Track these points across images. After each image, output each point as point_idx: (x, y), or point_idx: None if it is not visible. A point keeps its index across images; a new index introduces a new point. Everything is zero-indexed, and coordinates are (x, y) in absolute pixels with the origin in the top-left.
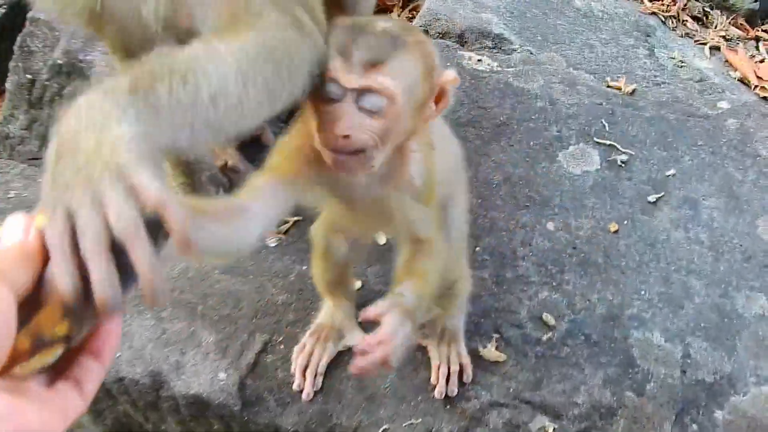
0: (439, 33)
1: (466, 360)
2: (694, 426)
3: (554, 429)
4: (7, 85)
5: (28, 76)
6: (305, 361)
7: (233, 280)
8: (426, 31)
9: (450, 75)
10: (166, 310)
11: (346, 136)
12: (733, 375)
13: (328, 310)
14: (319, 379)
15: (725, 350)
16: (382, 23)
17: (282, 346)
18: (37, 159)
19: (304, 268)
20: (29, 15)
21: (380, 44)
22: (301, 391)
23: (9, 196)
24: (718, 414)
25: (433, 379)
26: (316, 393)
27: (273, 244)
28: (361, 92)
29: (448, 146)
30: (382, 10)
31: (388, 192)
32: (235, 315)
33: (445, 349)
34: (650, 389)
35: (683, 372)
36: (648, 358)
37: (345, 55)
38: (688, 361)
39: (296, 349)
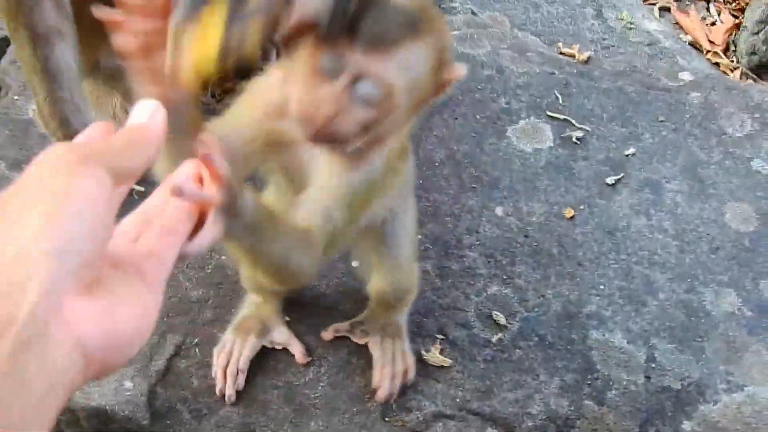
0: None
1: (411, 360)
2: None
3: None
4: None
5: None
6: (226, 360)
7: None
8: None
9: (460, 71)
10: None
11: (327, 122)
12: (701, 381)
13: (254, 303)
14: (241, 378)
15: (693, 353)
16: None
17: (197, 350)
18: None
19: (223, 258)
20: None
21: (392, 24)
22: (222, 398)
23: None
24: (686, 425)
25: (376, 381)
26: (237, 403)
27: None
28: (358, 76)
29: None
30: None
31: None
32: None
33: (389, 346)
34: (611, 397)
35: (647, 378)
36: (609, 362)
37: (351, 26)
38: (653, 365)
39: (216, 348)
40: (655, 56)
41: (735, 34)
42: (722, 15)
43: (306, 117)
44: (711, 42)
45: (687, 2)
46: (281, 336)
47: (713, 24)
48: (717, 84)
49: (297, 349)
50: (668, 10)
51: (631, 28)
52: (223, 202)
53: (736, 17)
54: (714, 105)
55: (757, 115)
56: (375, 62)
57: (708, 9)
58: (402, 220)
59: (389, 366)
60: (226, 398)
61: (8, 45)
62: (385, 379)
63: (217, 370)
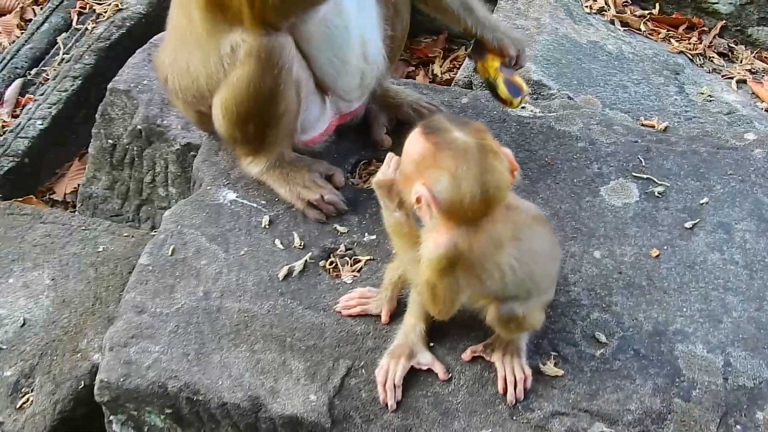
0: (482, 83)
1: (528, 371)
2: (738, 427)
3: None
4: (90, 149)
5: (110, 141)
6: (384, 378)
7: (316, 314)
8: (470, 83)
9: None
10: (258, 342)
11: None
12: None
13: (403, 331)
14: (398, 391)
15: (763, 358)
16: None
17: (363, 370)
18: (119, 215)
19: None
20: (109, 86)
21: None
22: (385, 406)
23: (98, 250)
24: (760, 415)
25: (500, 388)
26: (397, 409)
27: (349, 281)
28: None
29: None
30: (424, 62)
31: None
32: (320, 345)
33: (509, 361)
34: (696, 395)
35: (725, 379)
36: (692, 368)
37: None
38: (729, 369)
39: (377, 369)
40: (734, 123)
41: None
42: None
43: None
44: None
45: (762, 74)
46: (425, 359)
47: None
48: None
49: (439, 369)
50: (744, 82)
51: (711, 101)
52: None
53: None
54: None
55: None
56: None
57: None
58: None
59: (511, 376)
60: (388, 407)
61: (198, 148)
62: (509, 386)
63: (379, 386)
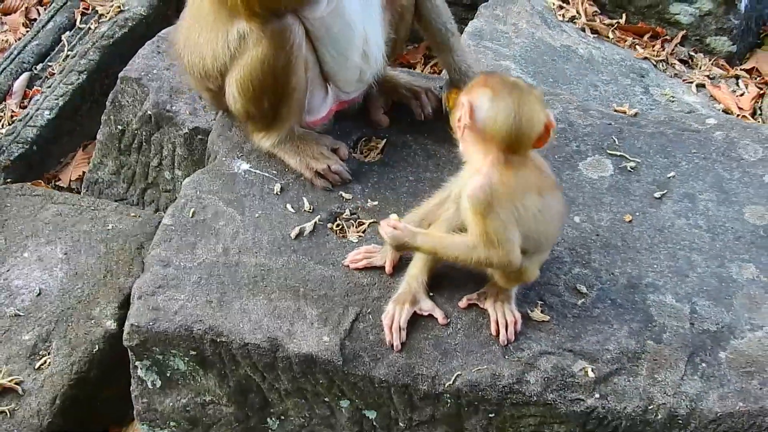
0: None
1: (518, 315)
2: (703, 365)
3: (592, 369)
4: (99, 136)
5: (119, 127)
6: (390, 321)
7: (326, 268)
8: None
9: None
10: (274, 292)
11: None
12: (731, 324)
13: (407, 281)
14: (403, 333)
15: (724, 306)
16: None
17: (371, 316)
18: (123, 200)
19: None
20: (120, 75)
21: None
22: (391, 347)
23: (107, 228)
24: (722, 354)
25: (493, 330)
26: (401, 350)
27: (355, 240)
28: None
29: None
30: (406, 67)
31: None
32: (331, 294)
33: (501, 307)
34: (666, 338)
35: (692, 324)
36: (663, 315)
37: None
38: (695, 315)
39: (383, 315)
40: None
41: (760, 101)
42: (749, 87)
43: None
44: (740, 108)
45: (719, 79)
46: (426, 305)
47: (742, 95)
48: (735, 125)
49: (439, 314)
50: (703, 86)
51: (673, 101)
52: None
53: (760, 88)
54: (734, 139)
55: (767, 145)
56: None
57: (737, 83)
58: None
59: (503, 319)
60: (393, 347)
61: (205, 132)
62: (501, 328)
63: (386, 329)
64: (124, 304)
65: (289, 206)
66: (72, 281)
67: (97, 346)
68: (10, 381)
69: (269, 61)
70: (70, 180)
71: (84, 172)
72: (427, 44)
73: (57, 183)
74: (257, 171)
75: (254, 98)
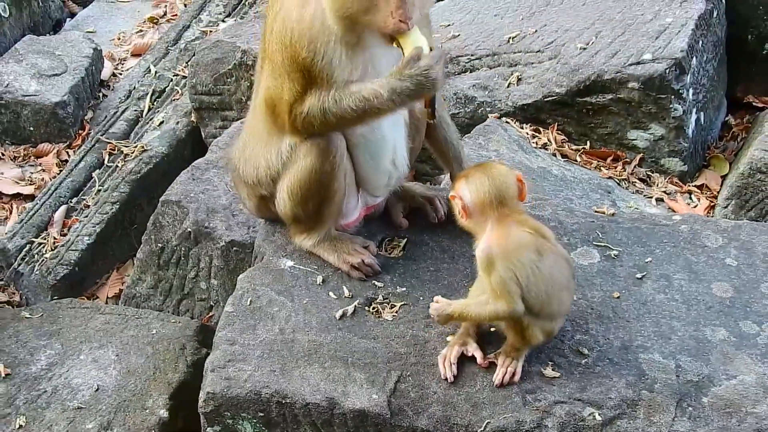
0: None
1: (518, 371)
2: (690, 408)
3: (598, 414)
4: (138, 254)
5: (159, 245)
6: (443, 358)
7: (368, 341)
8: None
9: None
10: (327, 362)
11: None
12: (710, 375)
13: (462, 328)
14: (453, 368)
15: (703, 361)
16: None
17: (410, 378)
18: (160, 311)
19: (414, 331)
20: (161, 199)
21: None
22: (445, 380)
23: (152, 332)
24: (705, 399)
25: (496, 378)
26: (453, 381)
27: (390, 318)
28: None
29: None
30: None
31: None
32: (375, 362)
33: (508, 361)
34: (657, 388)
35: (677, 376)
36: (653, 369)
37: None
38: (680, 369)
39: (439, 356)
40: None
41: (712, 212)
42: (701, 200)
43: None
44: None
45: (675, 194)
46: (471, 347)
47: (695, 207)
48: (697, 219)
49: (479, 356)
50: (662, 200)
51: (637, 211)
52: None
53: (710, 201)
54: (697, 230)
55: (725, 235)
56: None
57: (690, 198)
58: None
59: (503, 369)
60: (447, 380)
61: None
62: (500, 371)
63: (440, 365)
64: (173, 396)
65: (331, 293)
66: (125, 378)
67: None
68: None
69: (316, 168)
70: (107, 297)
71: (121, 290)
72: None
73: (95, 300)
74: (301, 266)
75: (301, 201)
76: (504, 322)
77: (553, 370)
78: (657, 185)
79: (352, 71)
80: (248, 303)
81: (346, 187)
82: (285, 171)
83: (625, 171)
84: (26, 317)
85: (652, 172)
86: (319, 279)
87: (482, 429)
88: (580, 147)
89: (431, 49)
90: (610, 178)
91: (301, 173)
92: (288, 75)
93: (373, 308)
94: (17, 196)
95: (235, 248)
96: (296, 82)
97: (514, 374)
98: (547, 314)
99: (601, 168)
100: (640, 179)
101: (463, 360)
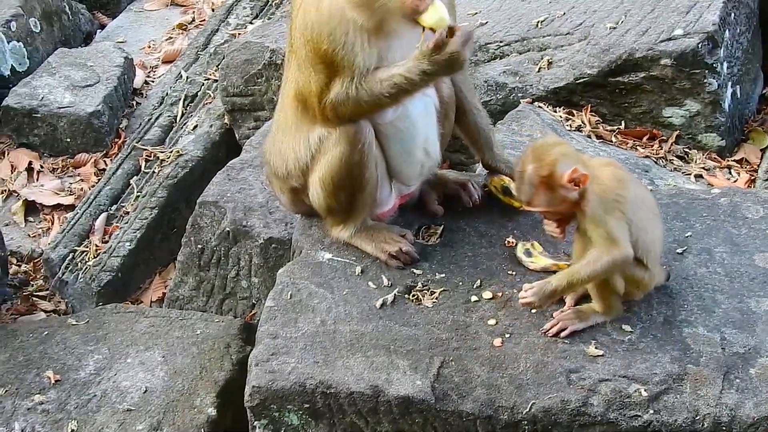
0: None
1: (570, 329)
2: (737, 380)
3: (644, 390)
4: (179, 257)
5: (199, 246)
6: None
7: (409, 329)
8: None
9: (566, 176)
10: (370, 351)
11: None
12: (757, 346)
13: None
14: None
15: (748, 333)
16: (528, 168)
17: (453, 363)
18: (203, 312)
19: (455, 316)
20: (198, 201)
21: (525, 190)
22: (478, 376)
23: (197, 333)
24: (752, 371)
25: (546, 326)
26: (482, 387)
27: (430, 305)
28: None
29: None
30: None
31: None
32: (417, 348)
33: (570, 318)
34: (703, 361)
35: (723, 349)
36: (698, 343)
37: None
38: (725, 341)
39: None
40: None
41: (753, 186)
42: (741, 174)
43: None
44: None
45: (714, 170)
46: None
47: (735, 181)
48: (737, 191)
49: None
50: (701, 176)
51: (676, 187)
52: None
53: (751, 174)
54: (737, 203)
55: (766, 206)
56: (531, 207)
57: (730, 172)
58: None
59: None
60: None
61: (278, 241)
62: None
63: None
64: (221, 394)
65: (370, 283)
66: (173, 379)
67: (202, 430)
68: None
69: (346, 158)
70: (151, 302)
71: (164, 293)
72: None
73: (139, 305)
74: (339, 258)
75: (334, 193)
76: (596, 286)
77: (596, 348)
78: (695, 162)
79: (376, 57)
80: (289, 297)
81: (378, 177)
82: (314, 163)
83: (661, 149)
84: (73, 324)
85: (690, 149)
86: (358, 269)
87: (527, 410)
88: (615, 127)
89: (451, 31)
90: (646, 157)
91: (332, 164)
92: (313, 67)
93: (413, 296)
94: (58, 207)
95: (273, 245)
96: (322, 74)
97: (564, 330)
98: (650, 252)
99: (637, 147)
100: (678, 157)
101: (505, 342)
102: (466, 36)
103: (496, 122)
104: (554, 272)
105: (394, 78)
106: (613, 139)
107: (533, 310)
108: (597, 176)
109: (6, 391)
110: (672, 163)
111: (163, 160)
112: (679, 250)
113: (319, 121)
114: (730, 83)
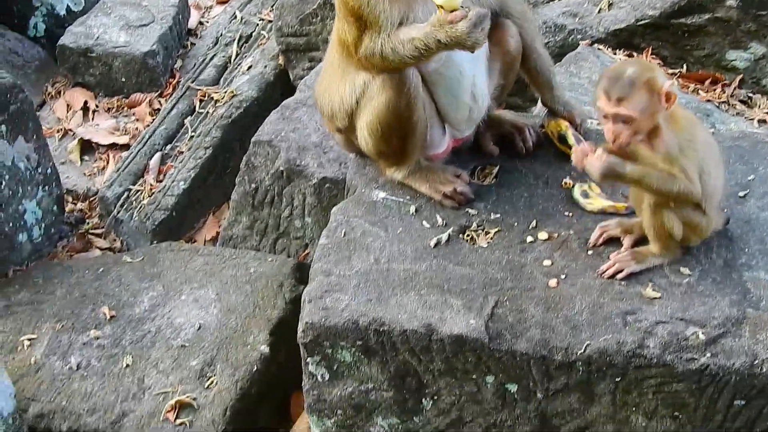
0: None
1: (628, 270)
2: None
3: (702, 333)
4: (233, 195)
5: (253, 185)
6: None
7: (464, 268)
8: None
9: (666, 85)
10: (423, 289)
11: (615, 139)
12: None
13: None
14: (601, 239)
15: None
16: (629, 69)
17: (507, 303)
18: (257, 251)
19: (510, 256)
20: (253, 140)
21: (623, 87)
22: (533, 316)
23: (250, 271)
24: None
25: (604, 266)
26: (537, 327)
27: (485, 245)
28: (616, 115)
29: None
30: None
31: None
32: (471, 288)
33: (627, 259)
34: (763, 305)
35: None
36: (758, 287)
37: (606, 94)
38: None
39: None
40: None
41: None
42: None
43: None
44: None
45: None
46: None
47: None
48: None
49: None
50: (765, 121)
51: (738, 130)
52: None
53: None
54: None
55: None
56: (621, 107)
57: None
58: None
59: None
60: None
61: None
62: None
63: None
64: (273, 332)
65: (425, 223)
66: (226, 316)
67: (255, 367)
68: (186, 397)
69: (392, 104)
70: (205, 241)
71: (218, 233)
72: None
73: (193, 244)
74: (393, 197)
75: (383, 137)
76: (653, 226)
77: (653, 290)
78: (759, 106)
79: (398, 17)
80: (342, 235)
81: (427, 119)
82: (360, 107)
83: (724, 93)
84: (128, 261)
85: (754, 93)
86: (412, 209)
87: (582, 351)
88: (677, 71)
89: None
90: (708, 101)
91: (378, 110)
92: (346, 19)
93: (468, 235)
94: (113, 146)
95: (327, 185)
96: (353, 26)
97: (621, 272)
98: (707, 197)
99: (699, 91)
100: (741, 101)
101: (561, 282)
102: (477, 18)
103: (554, 64)
104: (611, 214)
105: (414, 41)
106: (675, 83)
107: (588, 169)
108: (672, 115)
109: (63, 326)
110: (734, 107)
111: (217, 101)
112: (741, 194)
113: (361, 69)
114: None
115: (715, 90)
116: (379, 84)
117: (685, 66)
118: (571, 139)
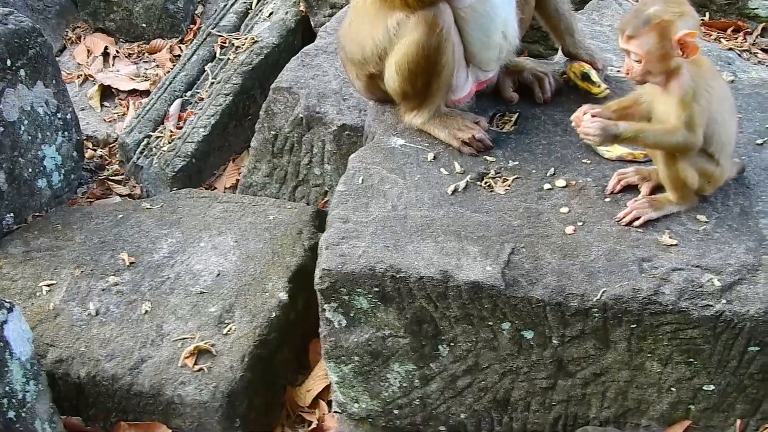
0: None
1: (644, 218)
2: None
3: (717, 280)
4: (253, 143)
5: (272, 132)
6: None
7: (481, 215)
8: None
9: (682, 33)
10: (440, 236)
11: (628, 72)
12: None
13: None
14: (619, 187)
15: None
16: (651, 9)
17: (524, 250)
18: (276, 198)
19: (527, 204)
20: (272, 86)
21: (636, 25)
22: (549, 263)
23: (269, 219)
24: None
25: (622, 213)
26: (553, 274)
27: (502, 192)
28: (628, 52)
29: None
30: None
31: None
32: (488, 235)
33: (644, 207)
34: None
35: None
36: None
37: (621, 29)
38: None
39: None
40: None
41: None
42: None
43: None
44: None
45: None
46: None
47: None
48: None
49: (645, 191)
50: None
51: (759, 77)
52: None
53: None
54: None
55: None
56: (630, 44)
57: None
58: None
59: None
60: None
61: (351, 128)
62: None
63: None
64: (292, 279)
65: (442, 170)
66: (245, 263)
67: (273, 313)
68: (205, 344)
69: (423, 43)
70: (225, 188)
71: (237, 180)
72: (545, 26)
73: (212, 191)
74: (411, 144)
75: (410, 77)
76: (668, 176)
77: (669, 237)
78: None
79: None
80: (360, 182)
81: (455, 62)
82: (392, 47)
83: (746, 42)
84: (147, 208)
85: None
86: (430, 156)
87: (598, 297)
88: (699, 18)
89: None
90: (730, 49)
91: (409, 48)
92: None
93: (485, 183)
94: (133, 93)
95: (346, 132)
96: None
97: (638, 219)
98: (720, 147)
99: (721, 39)
100: (762, 50)
101: (577, 230)
102: None
103: (576, 11)
104: (629, 161)
105: None
106: (698, 33)
107: (588, 142)
108: (696, 60)
109: (82, 272)
110: (756, 56)
111: (238, 47)
112: (759, 141)
113: (398, 5)
114: None
115: (737, 38)
116: (413, 23)
117: (707, 14)
118: (595, 77)
